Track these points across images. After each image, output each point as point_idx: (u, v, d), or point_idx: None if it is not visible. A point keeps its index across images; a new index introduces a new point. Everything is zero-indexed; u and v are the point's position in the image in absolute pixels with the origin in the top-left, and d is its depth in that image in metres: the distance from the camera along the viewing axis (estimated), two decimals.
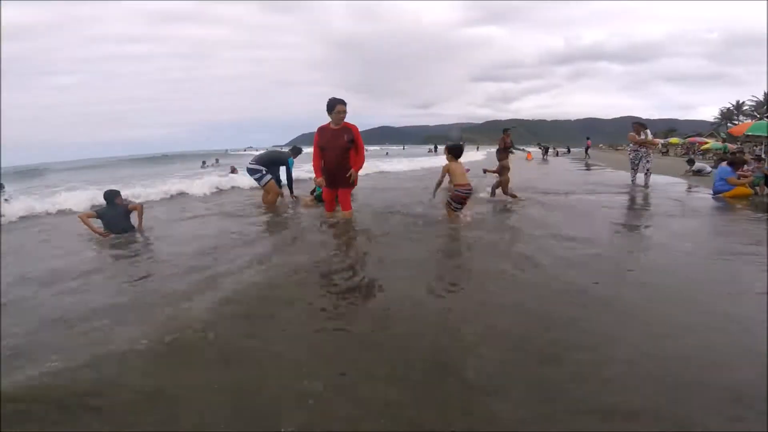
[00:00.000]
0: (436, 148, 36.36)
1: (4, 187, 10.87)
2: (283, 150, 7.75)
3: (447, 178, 4.75)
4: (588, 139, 26.99)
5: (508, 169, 5.99)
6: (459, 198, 4.56)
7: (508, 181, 6.00)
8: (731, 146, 17.38)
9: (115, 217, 4.56)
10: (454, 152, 4.73)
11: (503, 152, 7.03)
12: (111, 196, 4.77)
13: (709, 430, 1.17)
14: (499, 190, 6.11)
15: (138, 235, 4.50)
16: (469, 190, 4.67)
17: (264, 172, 6.30)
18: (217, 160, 25.34)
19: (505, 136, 10.01)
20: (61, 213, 6.20)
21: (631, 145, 8.27)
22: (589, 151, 25.64)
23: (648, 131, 8.15)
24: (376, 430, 1.29)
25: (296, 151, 7.36)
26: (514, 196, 5.94)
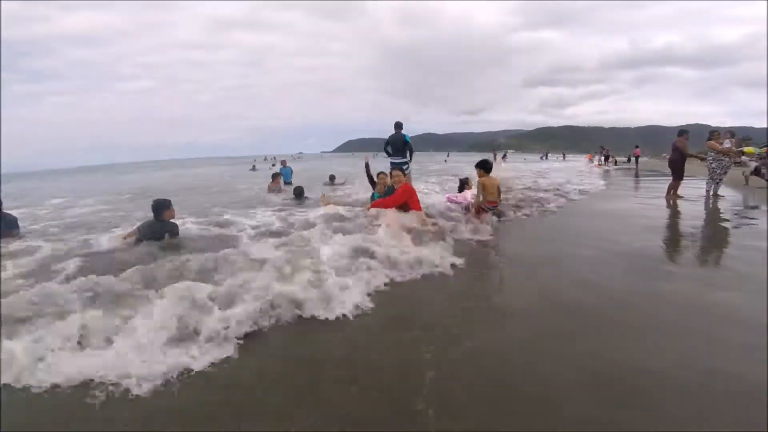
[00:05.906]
0: (505, 155, 33.88)
1: None
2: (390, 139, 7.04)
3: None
4: (637, 147, 26.45)
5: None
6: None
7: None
8: None
9: (152, 233, 3.96)
10: (484, 167, 5.19)
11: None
12: (159, 207, 4.04)
13: (710, 429, 1.16)
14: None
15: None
16: (495, 206, 5.04)
17: (407, 159, 6.79)
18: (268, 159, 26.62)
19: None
20: None
21: (712, 154, 7.50)
22: (643, 159, 24.58)
23: (732, 140, 7.76)
24: None
25: (399, 125, 6.91)
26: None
